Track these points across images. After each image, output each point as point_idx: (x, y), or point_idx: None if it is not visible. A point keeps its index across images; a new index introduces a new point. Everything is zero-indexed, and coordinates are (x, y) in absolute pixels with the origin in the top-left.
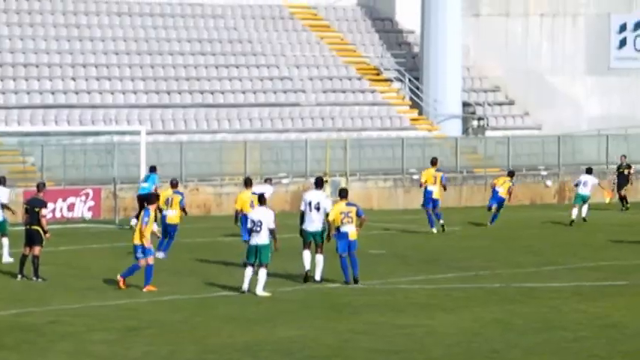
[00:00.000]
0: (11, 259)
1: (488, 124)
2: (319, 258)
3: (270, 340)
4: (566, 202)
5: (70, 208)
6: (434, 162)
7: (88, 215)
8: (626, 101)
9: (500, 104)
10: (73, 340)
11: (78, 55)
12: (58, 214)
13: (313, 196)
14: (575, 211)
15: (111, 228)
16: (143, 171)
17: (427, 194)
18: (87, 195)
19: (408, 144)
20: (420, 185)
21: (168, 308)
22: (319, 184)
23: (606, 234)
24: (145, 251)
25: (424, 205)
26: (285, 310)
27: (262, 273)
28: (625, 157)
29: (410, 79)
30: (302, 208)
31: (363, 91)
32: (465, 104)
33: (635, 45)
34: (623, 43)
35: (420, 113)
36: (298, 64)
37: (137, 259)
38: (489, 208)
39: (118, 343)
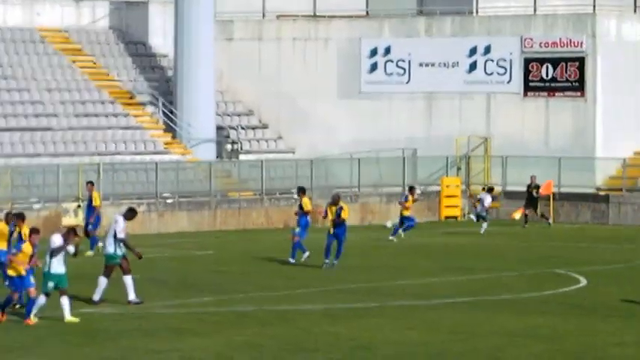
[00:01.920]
0: None
1: (242, 148)
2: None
3: None
4: (317, 225)
5: None
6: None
7: None
8: (377, 125)
9: (254, 128)
10: None
11: None
12: None
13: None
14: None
15: None
16: None
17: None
18: None
19: (161, 168)
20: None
21: None
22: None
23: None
24: None
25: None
26: (39, 337)
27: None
28: (535, 177)
29: (163, 103)
30: (123, 235)
31: (116, 115)
32: (219, 128)
33: (385, 69)
34: (374, 67)
35: (174, 137)
36: (50, 88)
37: None
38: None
39: None
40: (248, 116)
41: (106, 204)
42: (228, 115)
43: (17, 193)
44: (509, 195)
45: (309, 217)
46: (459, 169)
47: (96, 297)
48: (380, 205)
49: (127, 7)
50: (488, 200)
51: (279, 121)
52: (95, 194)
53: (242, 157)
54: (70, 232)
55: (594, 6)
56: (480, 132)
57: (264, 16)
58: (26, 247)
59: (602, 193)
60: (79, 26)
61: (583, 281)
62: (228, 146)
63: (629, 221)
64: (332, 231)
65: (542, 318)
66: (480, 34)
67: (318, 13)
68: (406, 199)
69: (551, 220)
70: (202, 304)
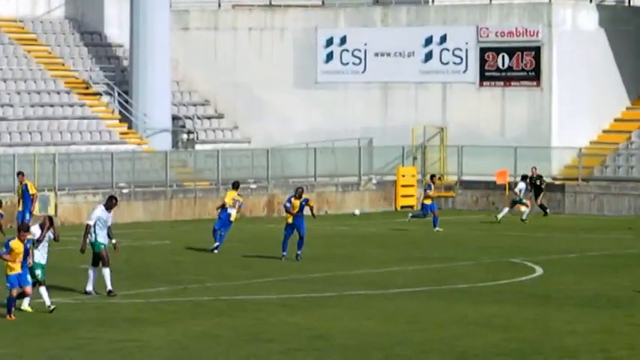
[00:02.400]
0: None
1: (198, 138)
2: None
3: None
4: (274, 214)
5: None
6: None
7: None
8: (333, 114)
9: (210, 118)
10: None
11: None
12: None
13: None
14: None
15: None
16: None
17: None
18: None
19: (117, 158)
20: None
21: None
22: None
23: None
24: None
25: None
26: None
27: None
28: (536, 168)
29: (119, 93)
30: (91, 222)
31: (72, 105)
32: (175, 118)
33: (341, 59)
34: (329, 57)
35: (130, 127)
36: (5, 78)
37: None
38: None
39: None
40: (204, 106)
41: (62, 194)
42: (184, 105)
43: None
44: (465, 184)
45: (229, 210)
46: (414, 158)
47: (89, 287)
48: (336, 195)
49: None
50: (520, 186)
51: (235, 111)
52: (29, 183)
53: (198, 146)
54: (45, 221)
55: None
56: (436, 122)
57: (219, 5)
58: (15, 245)
59: (557, 182)
60: (34, 16)
61: (539, 270)
62: (184, 136)
63: (584, 211)
64: (291, 222)
65: (498, 307)
66: (435, 23)
67: (273, 3)
68: (430, 188)
69: (548, 211)
70: (159, 293)
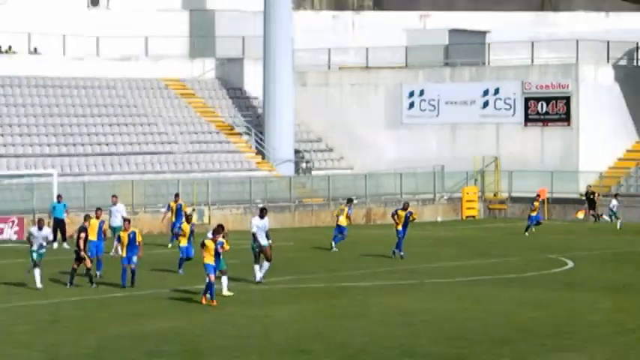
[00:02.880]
0: None
1: (313, 166)
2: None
3: (151, 330)
4: (371, 223)
5: (1, 231)
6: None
7: (14, 237)
8: (414, 148)
9: (322, 151)
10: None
11: (5, 118)
12: None
13: (259, 221)
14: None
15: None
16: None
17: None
18: (13, 222)
19: (254, 181)
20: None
21: (74, 306)
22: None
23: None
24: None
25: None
26: (163, 307)
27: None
28: (590, 186)
29: (255, 133)
30: (253, 230)
31: (220, 142)
32: (297, 151)
33: (420, 106)
34: (412, 105)
35: (263, 158)
36: (172, 123)
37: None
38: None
39: (37, 332)
40: (318, 142)
41: (213, 208)
42: (303, 142)
43: (148, 200)
44: (514, 199)
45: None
46: (475, 180)
47: (258, 277)
48: (417, 208)
49: (228, 62)
50: (613, 203)
51: (341, 146)
52: (183, 203)
53: (314, 172)
54: (219, 227)
55: (577, 58)
56: (492, 153)
57: (329, 67)
58: (208, 243)
59: (583, 198)
60: (192, 77)
61: (570, 264)
62: (303, 165)
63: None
64: (399, 229)
65: (539, 291)
66: (490, 79)
67: (370, 65)
68: (533, 203)
69: (607, 219)
70: (285, 281)
